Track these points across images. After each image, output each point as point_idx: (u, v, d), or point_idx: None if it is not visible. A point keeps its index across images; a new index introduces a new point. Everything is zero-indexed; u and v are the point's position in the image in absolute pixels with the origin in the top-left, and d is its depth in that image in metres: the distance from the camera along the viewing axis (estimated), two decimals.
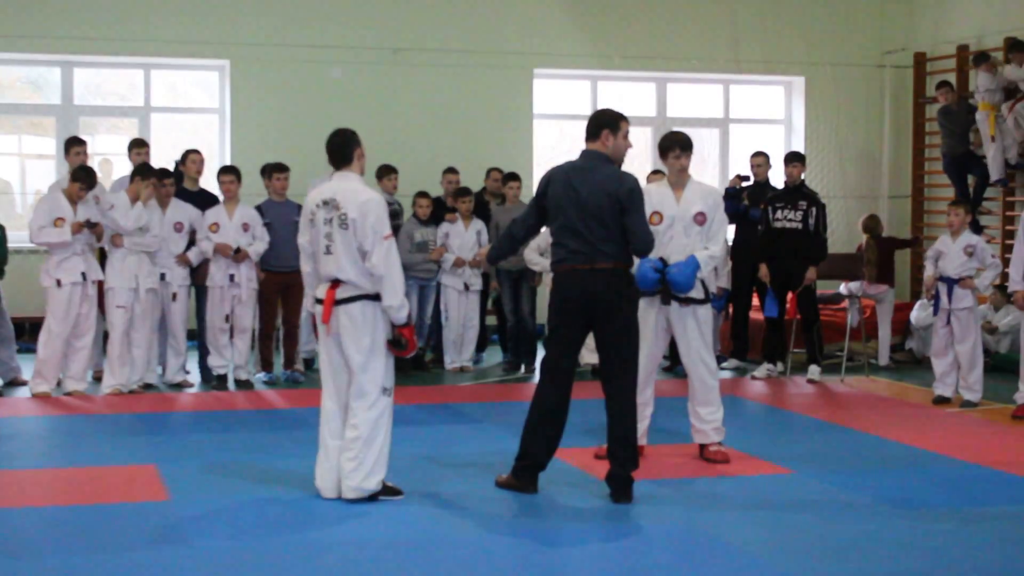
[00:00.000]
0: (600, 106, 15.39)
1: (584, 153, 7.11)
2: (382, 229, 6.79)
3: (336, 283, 6.83)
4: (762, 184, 12.38)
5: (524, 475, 7.10)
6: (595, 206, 6.91)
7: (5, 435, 8.91)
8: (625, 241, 6.99)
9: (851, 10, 15.99)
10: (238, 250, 10.91)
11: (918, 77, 15.65)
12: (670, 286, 7.71)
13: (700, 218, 7.87)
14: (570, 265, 6.97)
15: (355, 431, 6.82)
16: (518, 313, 12.13)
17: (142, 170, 10.65)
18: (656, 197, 7.88)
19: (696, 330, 7.91)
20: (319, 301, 6.90)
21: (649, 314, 7.84)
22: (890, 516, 6.71)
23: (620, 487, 6.96)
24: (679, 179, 7.94)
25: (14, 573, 5.64)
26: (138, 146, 11.28)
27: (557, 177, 7.07)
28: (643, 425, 7.87)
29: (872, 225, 13.22)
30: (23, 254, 11.53)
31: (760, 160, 12.50)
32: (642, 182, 7.22)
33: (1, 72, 14.38)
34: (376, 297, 6.83)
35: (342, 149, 6.97)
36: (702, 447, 8.10)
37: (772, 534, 6.34)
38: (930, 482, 7.58)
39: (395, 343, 6.93)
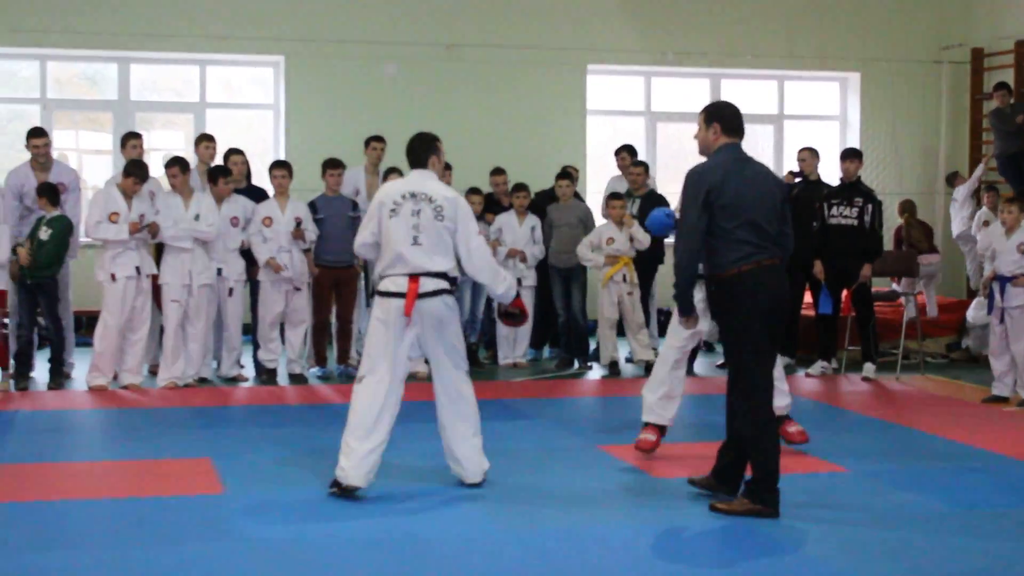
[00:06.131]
0: (654, 102, 15.46)
1: (732, 147, 6.75)
2: (474, 225, 7.02)
3: (416, 277, 6.82)
4: (813, 181, 12.25)
5: (768, 497, 6.55)
6: (772, 197, 6.62)
7: (63, 428, 9.02)
8: None
9: (907, 5, 15.85)
10: (299, 223, 11.00)
11: (975, 73, 15.50)
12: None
13: None
14: (757, 261, 6.48)
15: (473, 416, 7.13)
16: (569, 310, 12.08)
17: (173, 161, 10.79)
18: None
19: None
20: (400, 295, 6.81)
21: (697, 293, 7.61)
22: (947, 515, 6.65)
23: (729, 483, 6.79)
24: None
25: (71, 564, 5.70)
26: (133, 138, 11.27)
27: (731, 173, 6.59)
28: (673, 406, 7.89)
29: (909, 207, 13.79)
30: (80, 248, 11.62)
31: (805, 155, 12.31)
32: None
33: (59, 68, 14.52)
34: (450, 290, 6.92)
35: (417, 152, 7.12)
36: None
37: (825, 532, 6.29)
38: (987, 482, 7.49)
39: (510, 316, 7.42)
